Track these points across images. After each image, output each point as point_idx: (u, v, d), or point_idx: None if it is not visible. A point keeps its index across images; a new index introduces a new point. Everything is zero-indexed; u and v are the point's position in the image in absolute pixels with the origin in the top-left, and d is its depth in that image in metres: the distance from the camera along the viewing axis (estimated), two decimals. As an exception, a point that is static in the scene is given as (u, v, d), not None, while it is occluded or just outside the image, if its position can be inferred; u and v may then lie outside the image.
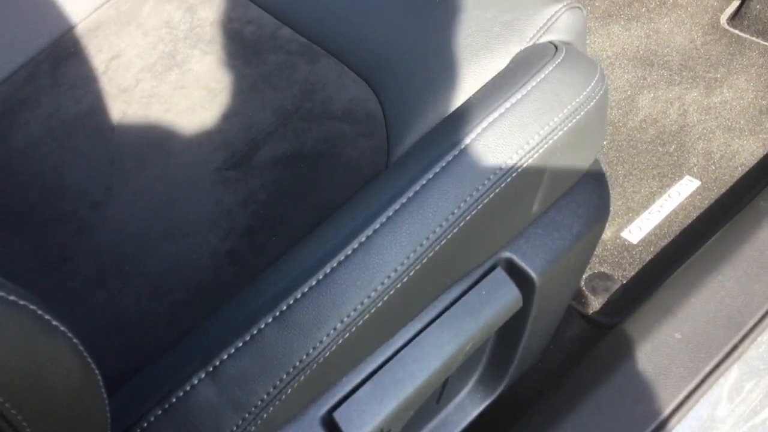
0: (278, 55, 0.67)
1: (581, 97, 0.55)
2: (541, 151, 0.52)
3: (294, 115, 0.62)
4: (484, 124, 0.52)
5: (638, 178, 1.00)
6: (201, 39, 0.69)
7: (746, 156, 1.00)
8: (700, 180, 0.99)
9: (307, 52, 0.66)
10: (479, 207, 0.50)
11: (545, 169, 0.54)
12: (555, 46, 0.59)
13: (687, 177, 1.00)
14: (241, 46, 0.68)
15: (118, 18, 0.73)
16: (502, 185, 0.51)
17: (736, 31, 1.18)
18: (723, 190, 0.97)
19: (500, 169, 0.51)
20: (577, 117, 0.54)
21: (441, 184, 0.50)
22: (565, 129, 0.54)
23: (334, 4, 0.68)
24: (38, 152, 0.65)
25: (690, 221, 0.95)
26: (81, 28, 0.74)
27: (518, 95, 0.53)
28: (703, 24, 1.20)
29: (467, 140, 0.51)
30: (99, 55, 0.71)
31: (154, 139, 0.63)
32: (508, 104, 0.53)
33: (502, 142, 0.51)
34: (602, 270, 0.91)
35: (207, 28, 0.70)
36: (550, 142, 0.53)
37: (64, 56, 0.72)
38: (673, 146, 1.03)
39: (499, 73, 0.59)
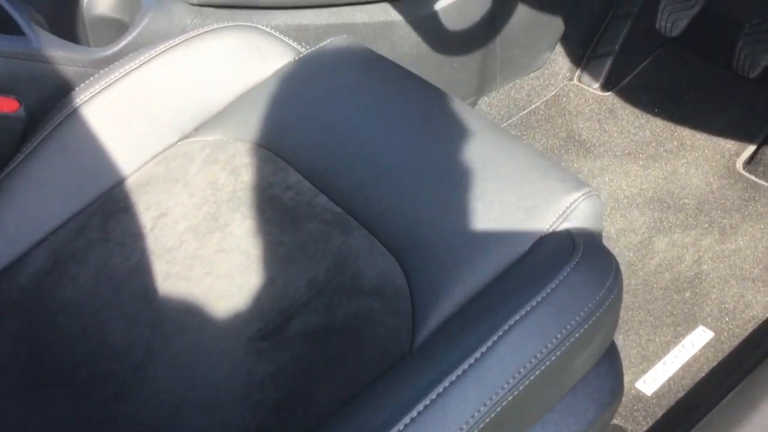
0: (314, 224, 0.71)
1: (598, 297, 0.58)
2: (558, 353, 0.56)
3: (326, 288, 0.67)
4: (505, 326, 0.56)
5: (653, 326, 1.03)
6: (243, 202, 0.74)
7: (759, 309, 1.03)
8: (714, 331, 1.01)
9: (341, 222, 0.71)
10: (498, 410, 0.53)
11: (563, 367, 0.57)
12: (573, 242, 0.63)
13: (701, 327, 1.02)
14: (280, 212, 0.73)
15: (167, 175, 0.79)
16: (521, 388, 0.54)
17: (752, 177, 1.22)
18: (735, 344, 0.99)
19: (519, 372, 0.54)
20: (594, 317, 0.58)
21: (463, 386, 0.53)
22: (582, 330, 0.57)
23: (368, 179, 0.73)
24: (85, 308, 0.70)
25: (703, 374, 0.97)
26: (131, 182, 0.80)
27: (538, 298, 0.57)
28: (719, 167, 1.24)
29: (489, 342, 0.55)
30: (147, 212, 0.76)
31: (194, 304, 0.68)
32: (528, 307, 0.57)
33: (522, 345, 0.55)
34: (616, 422, 0.93)
35: (249, 192, 0.75)
36: (567, 344, 0.56)
37: (114, 210, 0.77)
38: (687, 293, 1.06)
39: (519, 264, 0.63)
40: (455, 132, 0.76)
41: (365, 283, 0.66)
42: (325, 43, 0.90)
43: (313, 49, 0.90)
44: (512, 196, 0.68)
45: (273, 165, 0.78)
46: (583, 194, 0.68)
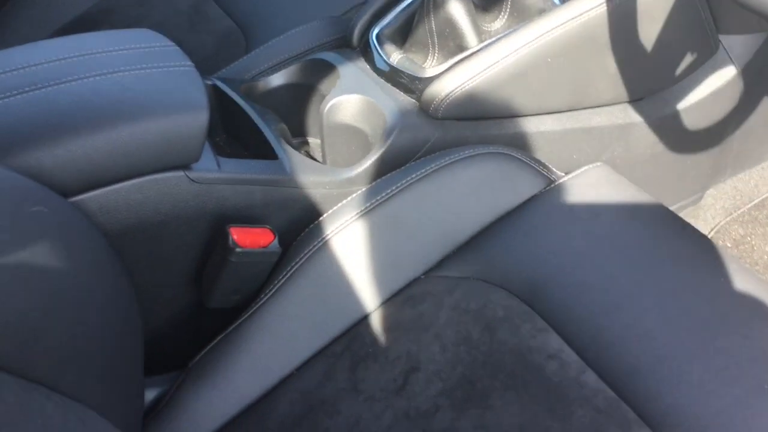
0: (585, 411, 0.65)
1: None
2: None
3: (604, 495, 0.61)
4: None
5: None
6: (501, 369, 0.70)
7: None
8: None
9: (618, 414, 0.65)
10: None
11: None
12: None
13: None
14: (545, 388, 0.68)
15: (416, 321, 0.75)
16: None
17: None
18: None
19: None
20: None
21: None
22: None
23: (646, 362, 0.66)
24: (339, 474, 0.67)
25: None
26: (377, 321, 0.77)
27: None
28: None
29: None
30: (397, 363, 0.73)
31: (457, 491, 0.64)
32: None
33: None
34: None
35: (507, 355, 0.70)
36: None
37: (362, 355, 0.74)
38: None
39: None
40: (749, 314, 0.67)
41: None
42: (578, 172, 0.84)
43: (565, 178, 0.84)
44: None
45: (530, 324, 0.72)
46: None
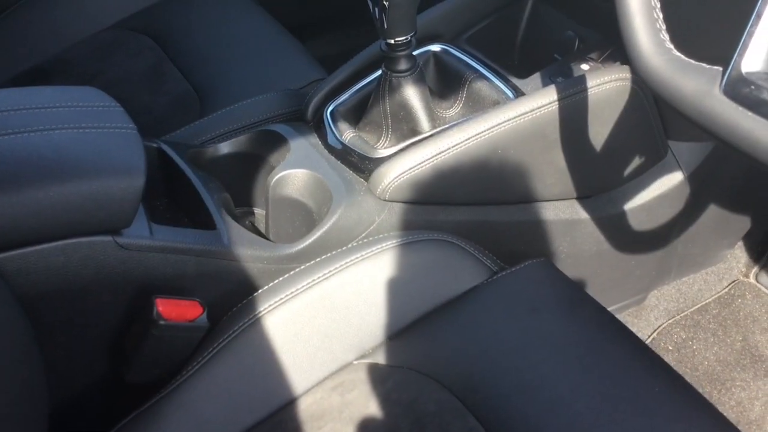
0: None
1: None
2: None
3: None
4: None
5: None
6: (427, 469, 0.67)
7: None
8: None
9: None
10: None
11: None
12: None
13: None
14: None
15: (343, 410, 0.72)
16: None
17: None
18: None
19: None
20: None
21: None
22: None
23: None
24: None
25: None
26: (304, 407, 0.73)
27: None
28: None
29: None
30: (319, 454, 0.69)
31: None
32: None
33: None
34: None
35: (435, 455, 0.67)
36: None
37: (284, 443, 0.71)
38: None
39: None
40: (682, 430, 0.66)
41: None
42: (520, 266, 0.83)
43: (507, 271, 0.83)
44: None
45: (462, 421, 0.69)
46: None
